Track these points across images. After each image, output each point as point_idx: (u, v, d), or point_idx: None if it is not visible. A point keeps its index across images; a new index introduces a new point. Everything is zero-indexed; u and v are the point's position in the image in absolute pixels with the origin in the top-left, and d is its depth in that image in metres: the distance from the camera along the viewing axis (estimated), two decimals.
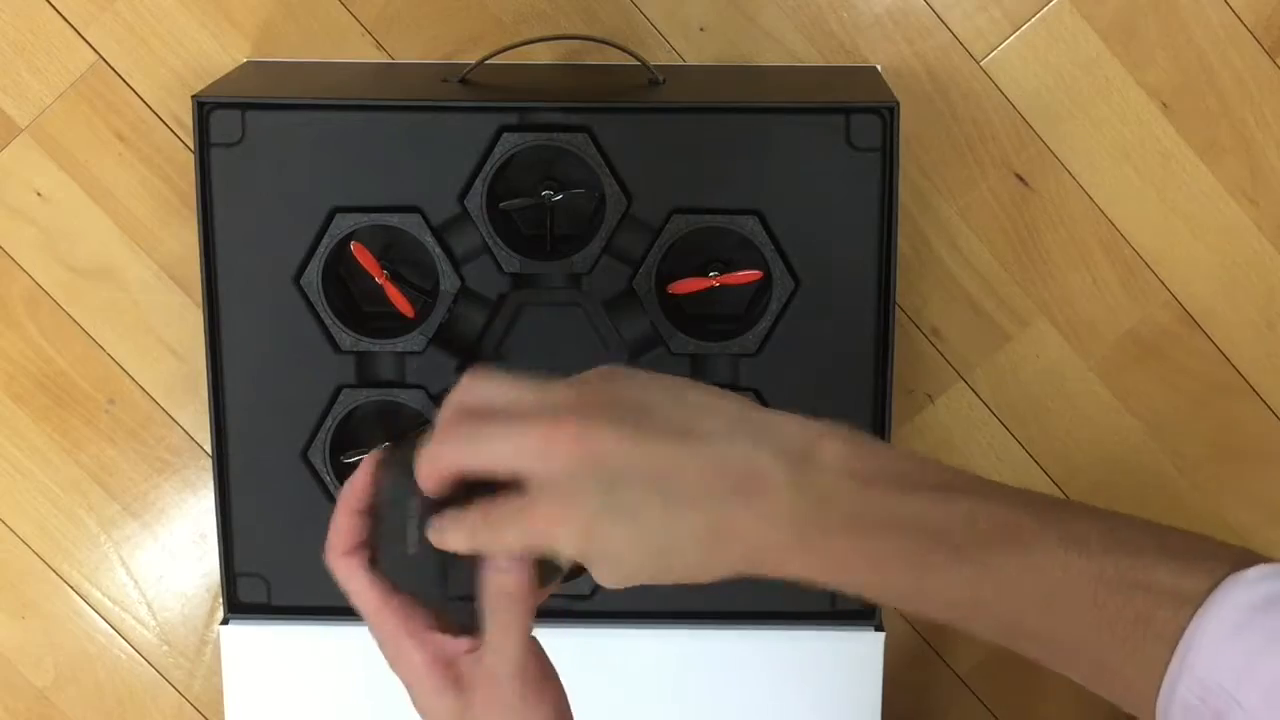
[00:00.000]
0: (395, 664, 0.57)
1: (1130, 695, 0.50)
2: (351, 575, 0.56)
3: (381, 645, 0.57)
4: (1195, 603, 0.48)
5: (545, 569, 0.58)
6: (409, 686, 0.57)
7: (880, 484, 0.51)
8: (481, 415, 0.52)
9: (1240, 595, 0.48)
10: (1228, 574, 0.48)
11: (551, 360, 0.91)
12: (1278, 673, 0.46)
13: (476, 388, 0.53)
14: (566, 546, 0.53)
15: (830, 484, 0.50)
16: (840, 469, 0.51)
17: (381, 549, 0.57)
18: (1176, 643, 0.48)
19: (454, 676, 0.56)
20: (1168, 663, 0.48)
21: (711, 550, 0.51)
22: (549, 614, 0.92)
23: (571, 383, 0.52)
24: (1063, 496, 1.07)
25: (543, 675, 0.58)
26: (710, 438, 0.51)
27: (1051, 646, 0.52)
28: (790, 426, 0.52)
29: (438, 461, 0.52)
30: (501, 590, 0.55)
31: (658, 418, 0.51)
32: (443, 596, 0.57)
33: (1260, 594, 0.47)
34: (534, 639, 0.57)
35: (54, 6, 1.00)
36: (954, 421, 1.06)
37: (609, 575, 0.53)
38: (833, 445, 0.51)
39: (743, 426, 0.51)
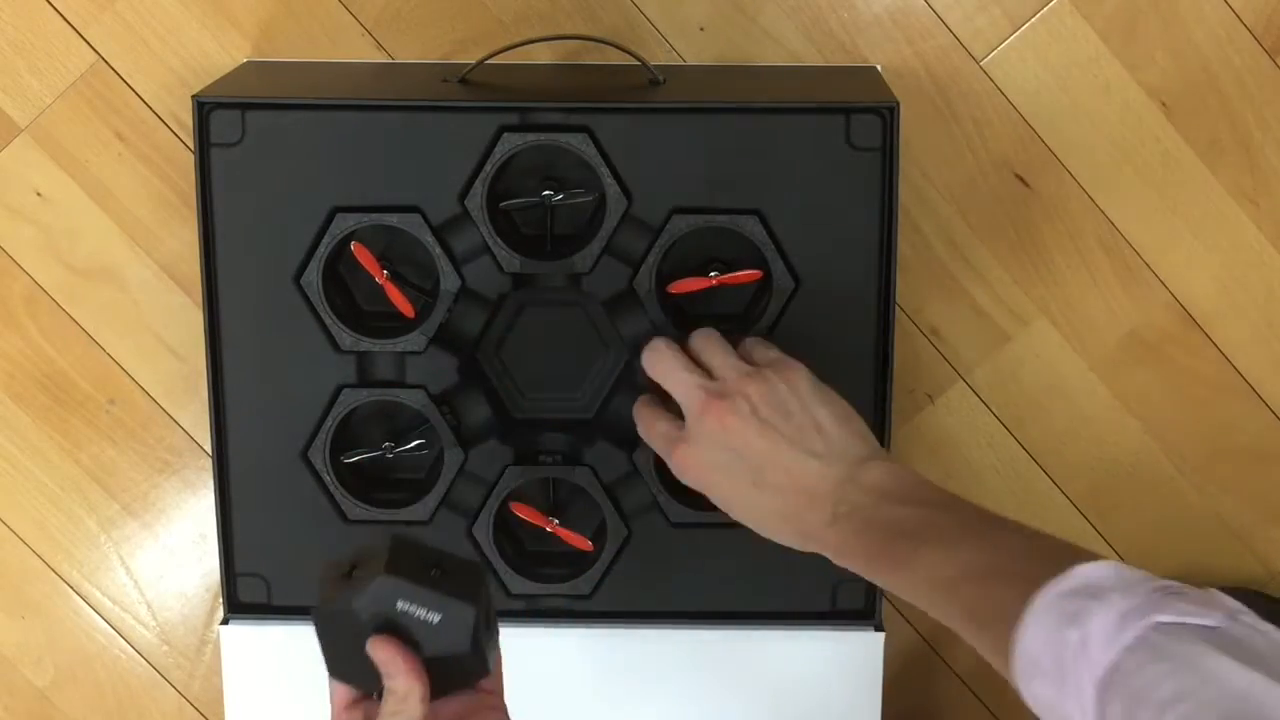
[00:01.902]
0: None
1: (1000, 664, 0.66)
2: (331, 686, 0.74)
3: None
4: (1021, 607, 0.63)
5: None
6: None
7: (886, 498, 0.74)
8: (696, 360, 0.80)
9: (1050, 590, 0.62)
10: (1049, 577, 0.63)
11: (551, 359, 0.91)
12: (1061, 639, 0.60)
13: (713, 340, 0.81)
14: (685, 474, 0.79)
15: (857, 496, 0.74)
16: (869, 486, 0.74)
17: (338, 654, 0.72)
18: (1015, 626, 0.63)
19: None
20: (1010, 643, 0.63)
21: (780, 524, 0.77)
22: (549, 614, 0.92)
23: (753, 374, 0.77)
24: (1062, 495, 1.07)
25: None
26: (808, 453, 0.75)
27: (956, 627, 0.70)
28: (856, 450, 0.76)
29: (660, 360, 0.80)
30: (395, 692, 0.68)
31: (788, 425, 0.76)
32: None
33: (1067, 587, 0.62)
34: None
35: (54, 6, 1.00)
36: (954, 421, 1.06)
37: (712, 499, 0.79)
38: (873, 469, 0.75)
39: (829, 452, 0.76)
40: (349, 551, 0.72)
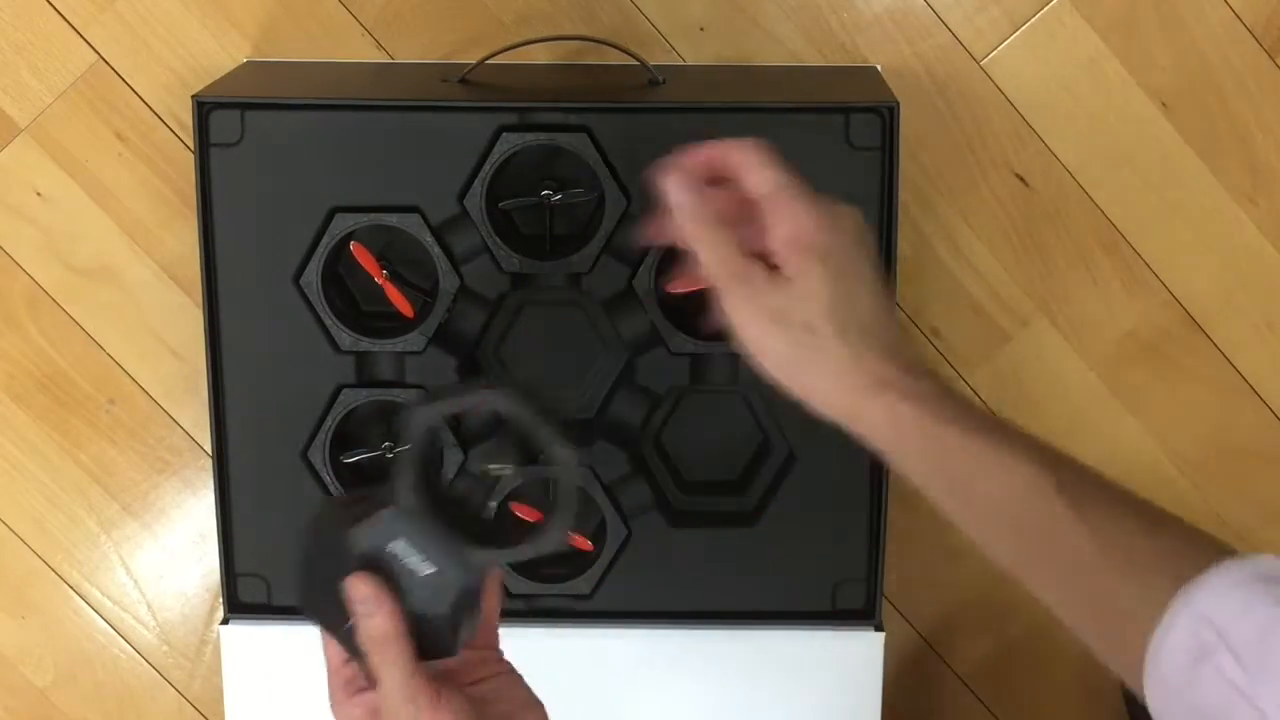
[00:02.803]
0: (337, 716, 0.69)
1: (1119, 624, 0.57)
2: (325, 641, 0.69)
3: (330, 701, 0.69)
4: (1207, 560, 0.54)
5: (429, 630, 0.67)
6: None
7: (934, 394, 0.63)
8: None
9: (1241, 568, 0.54)
10: (1232, 554, 0.55)
11: (551, 359, 0.91)
12: (1271, 617, 0.51)
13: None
14: (823, 229, 0.65)
15: (894, 377, 0.63)
16: (900, 379, 0.64)
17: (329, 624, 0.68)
18: (1183, 584, 0.53)
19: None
20: (1172, 595, 0.53)
21: (850, 337, 0.64)
22: (549, 614, 0.92)
23: (838, 210, 0.66)
24: None
25: (434, 696, 0.65)
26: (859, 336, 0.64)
27: (1039, 558, 0.61)
28: (907, 351, 0.65)
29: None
30: (371, 634, 0.65)
31: (849, 279, 0.65)
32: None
33: (1259, 569, 0.53)
34: (422, 667, 0.66)
35: (54, 6, 1.00)
36: None
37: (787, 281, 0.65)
38: (909, 372, 0.64)
39: (881, 342, 0.64)
40: (361, 500, 0.68)
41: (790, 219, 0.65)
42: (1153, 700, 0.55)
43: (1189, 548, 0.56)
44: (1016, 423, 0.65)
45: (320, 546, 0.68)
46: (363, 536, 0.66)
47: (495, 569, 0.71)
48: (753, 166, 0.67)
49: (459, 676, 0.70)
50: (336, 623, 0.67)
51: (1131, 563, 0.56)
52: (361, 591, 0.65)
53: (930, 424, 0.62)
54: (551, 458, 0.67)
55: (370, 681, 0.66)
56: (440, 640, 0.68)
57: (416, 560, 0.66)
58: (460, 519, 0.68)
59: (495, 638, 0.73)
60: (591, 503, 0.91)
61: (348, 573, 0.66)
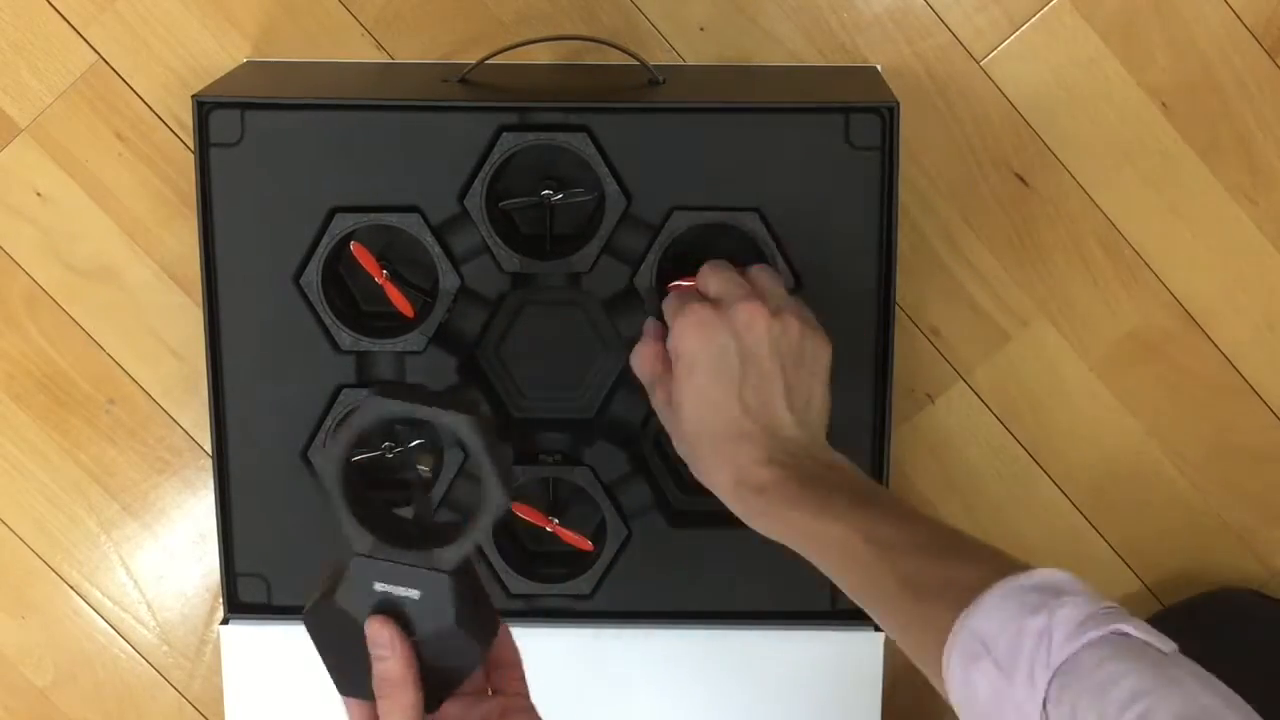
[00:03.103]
0: None
1: (925, 644, 0.66)
2: (348, 707, 0.72)
3: None
4: (984, 585, 0.63)
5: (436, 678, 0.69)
6: None
7: (836, 469, 0.76)
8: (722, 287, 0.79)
9: (1008, 585, 0.62)
10: (1010, 570, 0.63)
11: (551, 359, 0.91)
12: (1021, 625, 0.60)
13: (769, 275, 0.81)
14: (685, 332, 0.77)
15: (808, 456, 0.75)
16: (822, 458, 0.76)
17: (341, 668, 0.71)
18: (963, 608, 0.63)
19: None
20: (951, 619, 0.63)
21: (720, 437, 0.76)
22: (549, 614, 0.92)
23: (805, 317, 0.79)
24: (1062, 495, 1.07)
25: None
26: (789, 406, 0.76)
27: (870, 592, 0.70)
28: (822, 438, 0.78)
29: (719, 270, 0.80)
30: (384, 677, 0.67)
31: (795, 373, 0.76)
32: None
33: (1021, 584, 0.62)
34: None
35: (54, 6, 1.00)
36: (954, 421, 1.06)
37: (670, 399, 0.79)
38: (832, 454, 0.77)
39: (805, 423, 0.77)
40: (328, 566, 0.71)
41: (672, 332, 0.78)
42: (955, 708, 0.64)
43: (975, 572, 0.64)
44: (854, 484, 0.75)
45: (325, 624, 0.69)
46: (346, 597, 0.68)
47: (479, 584, 0.72)
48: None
49: None
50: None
51: (924, 594, 0.66)
52: (378, 634, 0.67)
53: (776, 508, 0.74)
54: (486, 494, 0.68)
55: None
56: (461, 654, 0.69)
57: (401, 590, 0.68)
58: (412, 529, 0.70)
59: (522, 684, 0.74)
60: (592, 503, 0.91)
61: (357, 635, 0.68)
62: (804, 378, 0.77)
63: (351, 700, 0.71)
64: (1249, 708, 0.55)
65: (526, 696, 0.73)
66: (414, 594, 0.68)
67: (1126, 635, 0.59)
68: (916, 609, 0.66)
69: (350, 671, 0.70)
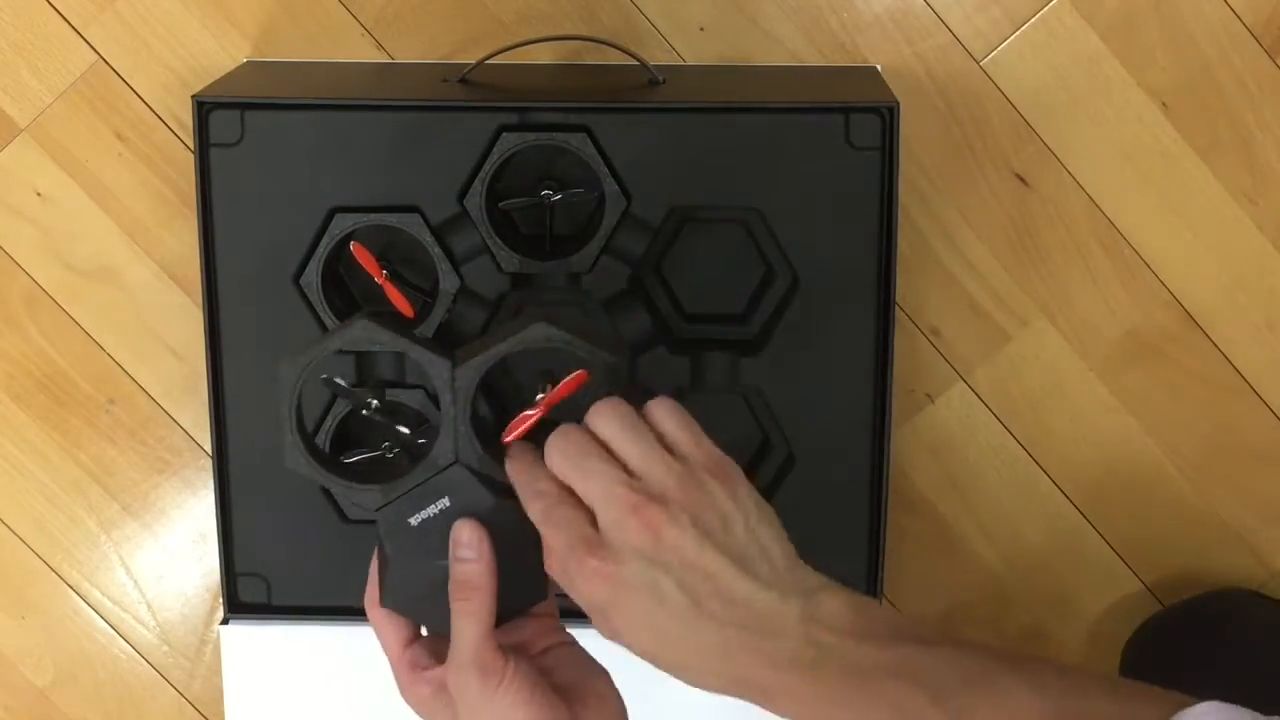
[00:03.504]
0: (406, 698, 0.67)
1: None
2: (381, 624, 0.68)
3: (398, 685, 0.67)
4: None
5: (519, 582, 0.66)
6: (420, 716, 0.68)
7: (874, 639, 0.59)
8: (607, 449, 0.62)
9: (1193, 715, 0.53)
10: (1175, 710, 0.54)
11: (551, 360, 0.91)
12: None
13: (627, 427, 0.62)
14: (586, 592, 0.61)
15: (833, 640, 0.59)
16: (841, 626, 0.59)
17: (392, 582, 0.67)
18: None
19: (447, 698, 0.65)
20: None
21: (713, 663, 0.60)
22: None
23: (688, 476, 0.61)
24: (1062, 495, 1.07)
25: (503, 664, 0.63)
26: (757, 580, 0.60)
27: None
28: (801, 579, 0.61)
29: (551, 456, 0.63)
30: (463, 579, 0.64)
31: (729, 537, 0.60)
32: (444, 620, 0.65)
33: (1209, 716, 0.53)
34: (496, 638, 0.64)
35: (54, 6, 1.00)
36: (954, 421, 1.06)
37: (610, 634, 0.62)
38: (833, 602, 0.60)
39: (777, 579, 0.60)
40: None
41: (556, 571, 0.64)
42: None
43: (1151, 709, 0.54)
44: (891, 631, 0.60)
45: (389, 532, 0.67)
46: (396, 548, 0.67)
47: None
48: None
49: (526, 648, 0.68)
50: (432, 615, 0.66)
51: None
52: (466, 535, 0.64)
53: (806, 689, 0.59)
54: (425, 366, 0.67)
55: (435, 659, 0.66)
56: (532, 578, 0.67)
57: (434, 507, 0.67)
58: (401, 461, 0.69)
59: (555, 608, 0.71)
60: None
61: (425, 567, 0.66)
62: (741, 535, 0.61)
63: (387, 619, 0.67)
64: None
65: (557, 617, 0.71)
66: (503, 516, 0.65)
67: None
68: None
69: (408, 584, 0.67)
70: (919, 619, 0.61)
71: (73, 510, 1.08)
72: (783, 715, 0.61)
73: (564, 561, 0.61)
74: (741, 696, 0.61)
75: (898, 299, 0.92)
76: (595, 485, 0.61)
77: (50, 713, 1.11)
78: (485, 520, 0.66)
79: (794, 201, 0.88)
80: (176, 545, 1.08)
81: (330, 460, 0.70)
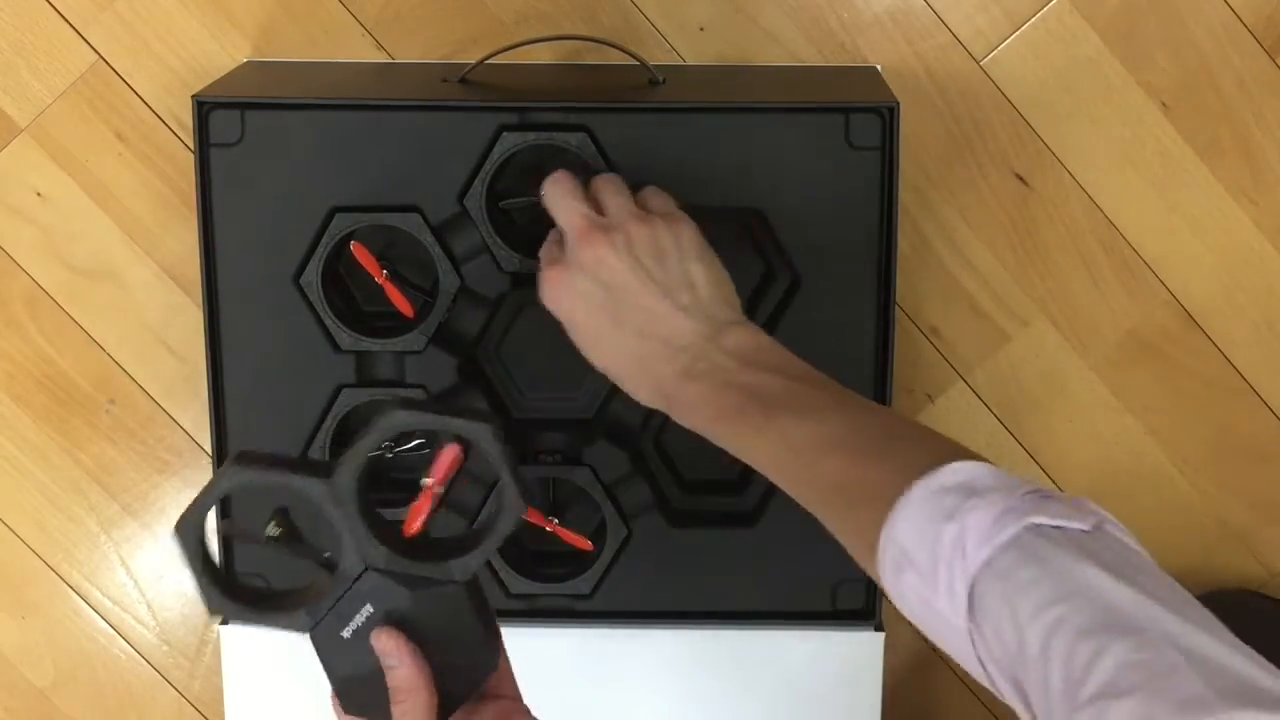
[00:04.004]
0: None
1: (861, 556, 0.65)
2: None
3: None
4: (895, 494, 0.61)
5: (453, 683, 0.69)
6: None
7: (755, 365, 0.72)
8: (585, 193, 0.78)
9: (925, 484, 0.61)
10: (926, 469, 0.61)
11: (551, 360, 0.91)
12: (934, 532, 0.59)
13: (612, 183, 0.78)
14: (548, 294, 0.76)
15: (723, 360, 0.72)
16: (735, 352, 0.72)
17: (344, 690, 0.70)
18: (887, 514, 0.61)
19: None
20: (880, 527, 0.62)
21: (635, 370, 0.74)
22: (549, 614, 0.92)
23: (641, 216, 0.75)
24: None
25: None
26: (675, 304, 0.74)
27: (808, 500, 0.69)
28: (723, 314, 0.74)
29: (556, 188, 0.78)
30: (397, 685, 0.67)
31: (661, 272, 0.74)
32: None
33: (939, 483, 0.61)
34: None
35: (54, 6, 1.00)
36: (954, 421, 1.06)
37: (572, 336, 0.77)
38: (738, 333, 0.73)
39: (697, 308, 0.74)
40: (318, 580, 0.71)
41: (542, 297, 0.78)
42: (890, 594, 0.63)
43: (891, 474, 0.63)
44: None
45: (331, 646, 0.69)
46: (353, 613, 0.68)
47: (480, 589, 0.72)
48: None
49: None
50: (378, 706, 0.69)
51: (853, 500, 0.65)
52: (385, 645, 0.67)
53: (707, 425, 0.72)
54: (302, 491, 0.68)
55: None
56: (477, 657, 0.70)
57: (411, 601, 0.68)
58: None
59: (514, 686, 0.74)
60: (592, 503, 0.91)
61: (367, 652, 0.68)
62: (673, 267, 0.75)
63: None
64: (1168, 582, 0.56)
65: (520, 699, 0.74)
66: (426, 605, 0.68)
67: (1039, 527, 0.58)
68: (848, 516, 0.66)
69: (357, 691, 0.70)
70: (801, 362, 0.73)
71: (73, 510, 1.08)
72: (681, 422, 0.74)
73: (540, 270, 0.77)
74: (659, 407, 0.74)
75: (898, 299, 0.92)
76: (564, 215, 0.77)
77: (50, 713, 1.11)
78: (409, 615, 0.68)
79: (794, 201, 0.88)
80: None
81: (251, 595, 0.71)
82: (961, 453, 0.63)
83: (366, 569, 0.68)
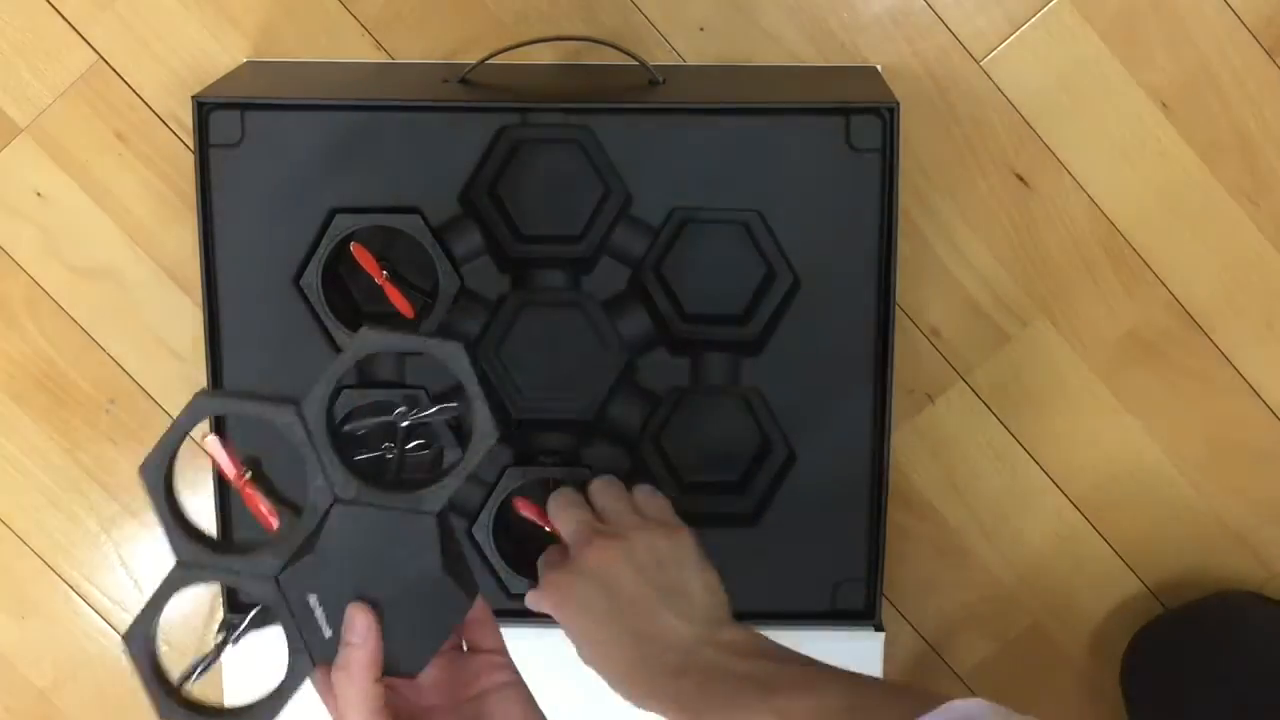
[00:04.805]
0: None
1: None
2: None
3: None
4: None
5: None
6: None
7: (745, 654, 0.73)
8: (592, 502, 0.81)
9: (936, 716, 0.62)
10: (930, 706, 0.62)
11: (551, 360, 0.91)
12: None
13: (611, 487, 0.82)
14: (547, 597, 0.78)
15: (714, 654, 0.73)
16: (727, 646, 0.74)
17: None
18: None
19: None
20: None
21: (629, 671, 0.74)
22: (549, 614, 0.92)
23: (642, 524, 0.78)
24: (1062, 495, 1.07)
25: None
26: (673, 610, 0.75)
27: None
28: (717, 617, 0.76)
29: (560, 501, 0.81)
30: (345, 667, 0.67)
31: (662, 579, 0.76)
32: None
33: (947, 717, 0.61)
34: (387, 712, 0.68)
35: (54, 6, 1.00)
36: (954, 421, 1.06)
37: (568, 635, 0.77)
38: (732, 632, 0.75)
39: (692, 613, 0.75)
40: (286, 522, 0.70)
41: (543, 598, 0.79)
42: None
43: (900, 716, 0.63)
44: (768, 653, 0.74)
45: (296, 581, 0.68)
46: (326, 548, 0.67)
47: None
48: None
49: (458, 690, 0.71)
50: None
51: None
52: (356, 620, 0.67)
53: (702, 717, 0.71)
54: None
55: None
56: (445, 605, 0.68)
57: (384, 539, 0.67)
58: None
59: (498, 638, 0.74)
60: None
61: (333, 587, 0.67)
62: (672, 578, 0.76)
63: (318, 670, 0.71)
64: None
65: (505, 653, 0.74)
66: (395, 541, 0.67)
67: None
68: None
69: (309, 628, 0.68)
70: (798, 653, 0.75)
71: (73, 510, 1.08)
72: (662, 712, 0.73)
73: (540, 577, 0.79)
74: (653, 708, 0.73)
75: (898, 299, 0.92)
76: (569, 523, 0.79)
77: (50, 713, 1.11)
78: (377, 555, 0.67)
79: (794, 202, 0.88)
80: None
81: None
82: (949, 696, 0.65)
83: (335, 501, 0.67)
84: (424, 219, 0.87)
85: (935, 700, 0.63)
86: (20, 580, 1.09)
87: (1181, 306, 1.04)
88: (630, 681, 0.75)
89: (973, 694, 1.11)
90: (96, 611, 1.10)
